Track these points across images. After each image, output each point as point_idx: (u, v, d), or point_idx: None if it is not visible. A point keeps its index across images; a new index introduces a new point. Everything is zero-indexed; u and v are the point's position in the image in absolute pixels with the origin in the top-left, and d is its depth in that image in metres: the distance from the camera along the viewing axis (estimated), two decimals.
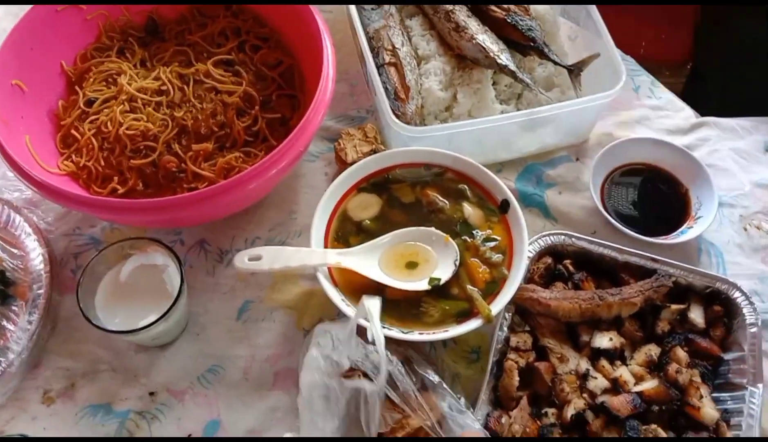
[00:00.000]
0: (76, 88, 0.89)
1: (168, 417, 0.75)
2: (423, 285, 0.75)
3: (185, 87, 0.87)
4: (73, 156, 0.85)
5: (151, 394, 0.76)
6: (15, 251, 0.82)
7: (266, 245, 0.86)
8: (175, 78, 0.88)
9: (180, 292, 0.72)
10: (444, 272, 0.75)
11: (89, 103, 0.87)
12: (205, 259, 0.85)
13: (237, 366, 0.78)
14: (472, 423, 0.64)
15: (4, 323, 0.77)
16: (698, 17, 1.41)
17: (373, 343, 0.62)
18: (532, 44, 0.91)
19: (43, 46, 0.87)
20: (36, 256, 0.82)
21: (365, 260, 0.76)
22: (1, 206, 0.85)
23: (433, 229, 0.78)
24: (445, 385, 0.69)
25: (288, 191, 0.91)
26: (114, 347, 0.78)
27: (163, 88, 0.87)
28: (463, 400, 0.69)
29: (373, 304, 0.62)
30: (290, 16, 0.91)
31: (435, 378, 0.69)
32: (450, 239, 0.77)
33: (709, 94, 1.28)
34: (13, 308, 0.78)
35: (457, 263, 0.76)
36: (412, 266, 0.77)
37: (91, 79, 0.89)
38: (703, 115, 1.00)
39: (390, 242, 0.77)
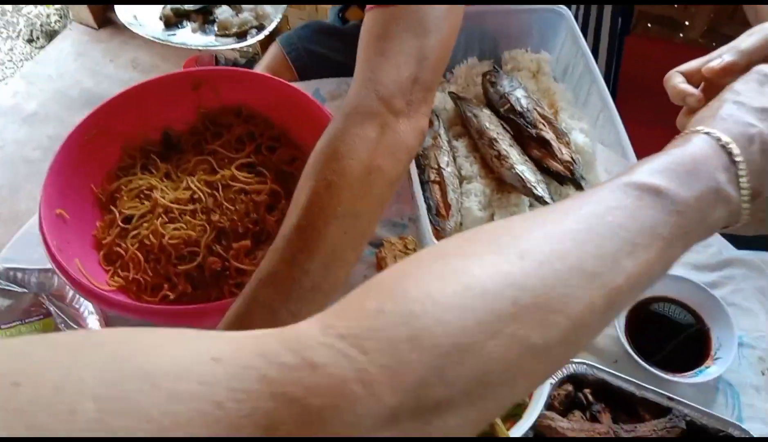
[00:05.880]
0: (111, 207, 0.97)
1: None
2: None
3: (215, 193, 0.95)
4: (119, 271, 0.92)
5: None
6: (76, 327, 0.90)
7: None
8: (203, 186, 0.96)
9: None
10: None
11: (127, 220, 0.95)
12: None
13: None
14: None
15: None
16: None
17: None
18: (570, 176, 0.97)
19: (76, 174, 0.96)
20: None
21: None
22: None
23: None
24: None
25: None
26: None
27: (195, 196, 0.95)
28: None
29: None
30: (296, 116, 1.02)
31: None
32: None
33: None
34: None
35: None
36: None
37: (124, 198, 0.97)
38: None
39: None
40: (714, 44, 1.77)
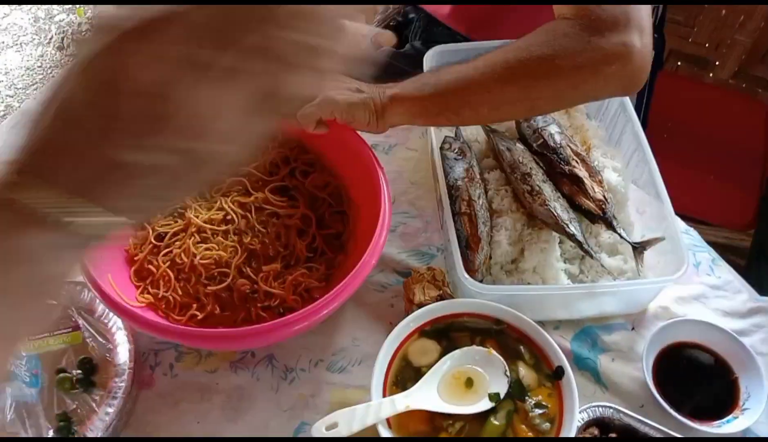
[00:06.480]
0: (144, 224, 0.97)
1: None
2: (485, 404, 0.81)
3: (248, 215, 0.96)
4: (149, 288, 0.92)
5: None
6: (104, 342, 0.90)
7: (328, 369, 0.93)
8: (236, 207, 0.96)
9: None
10: (500, 387, 0.82)
11: (159, 237, 0.96)
12: (271, 374, 0.91)
13: None
14: None
15: (85, 411, 0.85)
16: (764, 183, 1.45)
17: None
18: (601, 215, 0.97)
19: None
20: (123, 350, 0.89)
21: (427, 394, 0.82)
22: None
23: (474, 347, 0.85)
24: None
25: (354, 318, 0.97)
26: None
27: (228, 217, 0.96)
28: None
29: None
30: (331, 142, 1.01)
31: None
32: (493, 351, 0.84)
33: None
34: (95, 397, 0.86)
35: (508, 373, 0.82)
36: (470, 383, 0.83)
37: (158, 215, 0.97)
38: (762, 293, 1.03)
39: (447, 368, 0.84)
40: (744, 86, 1.77)
